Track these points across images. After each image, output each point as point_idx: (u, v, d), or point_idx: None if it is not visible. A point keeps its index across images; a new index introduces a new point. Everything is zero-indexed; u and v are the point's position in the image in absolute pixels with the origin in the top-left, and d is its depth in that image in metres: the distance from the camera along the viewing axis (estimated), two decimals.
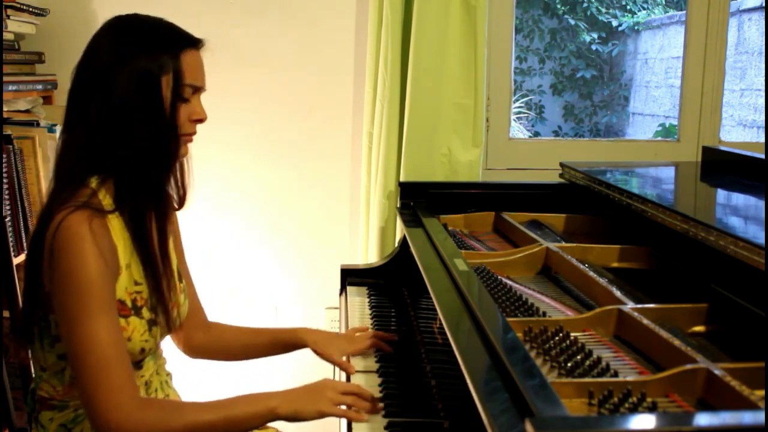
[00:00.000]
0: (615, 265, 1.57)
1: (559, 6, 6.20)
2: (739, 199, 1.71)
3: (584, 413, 0.92)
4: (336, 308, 2.13)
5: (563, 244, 1.62)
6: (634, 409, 0.91)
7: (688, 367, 0.97)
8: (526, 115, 6.09)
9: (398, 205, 2.11)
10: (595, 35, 6.12)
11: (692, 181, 2.02)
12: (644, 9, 6.12)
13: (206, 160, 2.27)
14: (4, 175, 1.87)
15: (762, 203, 1.51)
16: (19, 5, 2.05)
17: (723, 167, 1.93)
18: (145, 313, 1.29)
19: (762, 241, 1.11)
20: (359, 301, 1.89)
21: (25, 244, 1.92)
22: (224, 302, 2.40)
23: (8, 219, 1.88)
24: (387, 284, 1.97)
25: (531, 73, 6.36)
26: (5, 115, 2.02)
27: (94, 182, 1.26)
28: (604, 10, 6.11)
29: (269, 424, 1.33)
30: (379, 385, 1.42)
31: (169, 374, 1.49)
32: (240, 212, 2.43)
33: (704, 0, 2.40)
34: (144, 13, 1.32)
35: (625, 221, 1.66)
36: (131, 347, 1.27)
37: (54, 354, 1.29)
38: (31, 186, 2.00)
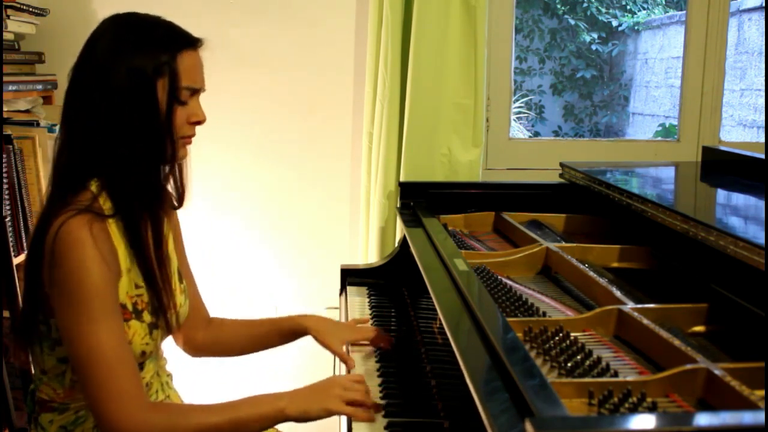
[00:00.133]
0: (615, 265, 1.57)
1: (559, 6, 6.20)
2: (739, 199, 1.71)
3: (584, 413, 0.92)
4: (336, 308, 2.13)
5: (563, 244, 1.62)
6: (634, 409, 0.91)
7: (688, 367, 0.97)
8: (526, 115, 6.09)
9: (398, 205, 2.11)
10: (595, 35, 6.12)
11: (692, 181, 2.02)
12: (644, 9, 6.12)
13: (206, 160, 2.28)
14: (4, 175, 1.87)
15: (762, 203, 1.51)
16: (19, 5, 2.05)
17: (723, 167, 1.93)
18: (146, 316, 1.29)
19: (762, 241, 1.11)
20: (359, 301, 1.89)
21: (25, 244, 1.92)
22: (224, 302, 2.40)
23: (8, 219, 1.88)
24: (387, 284, 1.97)
25: (531, 73, 6.36)
26: (5, 115, 2.02)
27: (93, 186, 1.25)
28: (604, 10, 6.11)
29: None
30: (379, 385, 1.41)
31: (169, 375, 1.49)
32: (240, 212, 2.43)
33: (704, 0, 2.40)
34: (143, 12, 1.31)
35: (625, 221, 1.66)
36: (132, 350, 1.26)
37: (54, 357, 1.29)
38: (31, 186, 2.00)
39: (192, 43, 1.29)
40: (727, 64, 2.47)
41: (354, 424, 1.26)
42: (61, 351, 1.27)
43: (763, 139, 3.88)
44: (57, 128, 2.01)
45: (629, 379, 0.98)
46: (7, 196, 1.88)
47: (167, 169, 1.35)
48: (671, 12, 5.99)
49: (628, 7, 6.13)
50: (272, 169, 2.41)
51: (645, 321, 1.13)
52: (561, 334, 1.13)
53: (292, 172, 2.41)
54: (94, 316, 1.16)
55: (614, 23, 6.08)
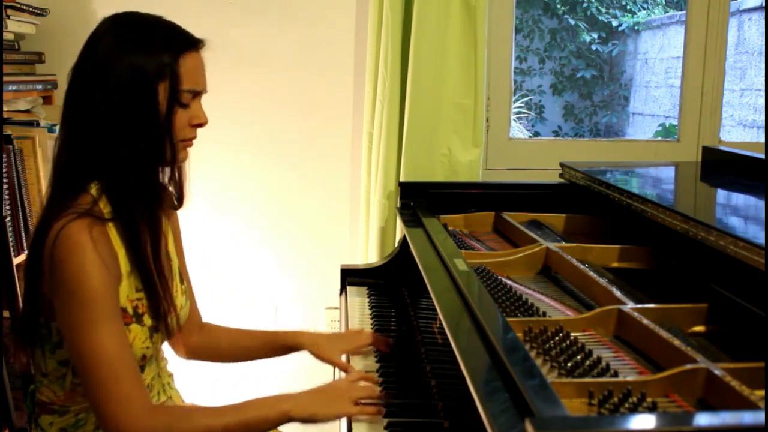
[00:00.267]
0: (615, 265, 1.57)
1: (559, 6, 6.20)
2: (739, 199, 1.71)
3: (584, 413, 0.92)
4: (336, 308, 2.13)
5: (563, 244, 1.62)
6: (634, 409, 0.91)
7: (688, 367, 0.97)
8: (526, 115, 6.09)
9: (398, 205, 2.11)
10: (595, 35, 6.12)
11: (692, 181, 2.02)
12: (644, 9, 6.12)
13: (206, 160, 2.28)
14: (4, 175, 1.87)
15: (762, 203, 1.51)
16: (19, 5, 2.05)
17: (723, 167, 1.93)
18: (147, 320, 1.28)
19: (762, 241, 1.11)
20: (359, 301, 1.89)
21: (25, 244, 1.92)
22: (224, 302, 2.40)
23: (8, 219, 1.88)
24: (387, 284, 1.97)
25: (531, 73, 6.36)
26: (5, 115, 2.02)
27: (94, 189, 1.24)
28: (604, 10, 6.11)
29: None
30: (379, 385, 1.41)
31: (170, 375, 1.49)
32: (240, 212, 2.43)
33: (704, 0, 2.40)
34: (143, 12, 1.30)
35: (625, 221, 1.66)
36: (133, 353, 1.25)
37: (55, 360, 1.28)
38: (31, 186, 2.00)
39: (194, 44, 1.27)
40: (727, 64, 2.47)
41: (354, 424, 1.26)
42: (62, 354, 1.27)
43: (763, 139, 3.88)
44: (57, 128, 2.02)
45: (629, 379, 0.98)
46: (7, 196, 1.88)
47: (167, 170, 1.34)
48: (671, 12, 5.99)
49: (628, 7, 6.13)
50: (272, 169, 2.41)
51: (645, 321, 1.13)
52: (561, 334, 1.13)
53: (292, 172, 2.41)
54: (95, 319, 1.16)
55: (614, 23, 6.08)
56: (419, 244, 1.63)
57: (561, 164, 2.02)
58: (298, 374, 2.38)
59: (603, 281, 1.34)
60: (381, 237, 2.27)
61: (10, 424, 1.81)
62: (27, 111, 2.16)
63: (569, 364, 1.04)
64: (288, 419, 1.24)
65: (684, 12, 2.86)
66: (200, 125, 1.30)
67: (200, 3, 2.30)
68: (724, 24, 2.42)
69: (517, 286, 1.43)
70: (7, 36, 2.04)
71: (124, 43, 1.22)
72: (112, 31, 1.24)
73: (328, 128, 2.40)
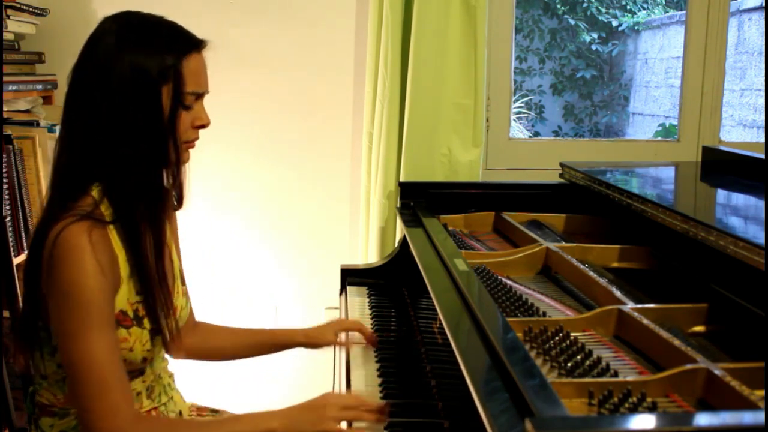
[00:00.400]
0: (615, 265, 1.57)
1: (559, 6, 6.20)
2: (739, 199, 1.71)
3: (584, 413, 0.92)
4: (336, 308, 2.13)
5: (563, 244, 1.62)
6: (634, 409, 0.91)
7: (688, 367, 0.97)
8: (526, 115, 6.09)
9: (398, 205, 2.11)
10: (595, 35, 6.12)
11: (692, 181, 2.02)
12: (644, 9, 6.12)
13: (206, 160, 2.28)
14: (4, 175, 1.87)
15: (762, 203, 1.51)
16: (19, 5, 2.05)
17: (723, 167, 1.93)
18: (147, 323, 1.27)
19: (762, 241, 1.11)
20: (359, 301, 1.89)
21: (25, 244, 1.92)
22: (224, 302, 2.40)
23: (8, 219, 1.88)
24: (387, 284, 1.97)
25: (531, 73, 6.36)
26: (5, 115, 2.02)
27: (95, 191, 1.23)
28: (604, 10, 6.11)
29: None
30: (379, 385, 1.41)
31: (171, 375, 1.48)
32: (240, 212, 2.43)
33: (704, 0, 2.40)
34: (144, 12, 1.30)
35: (625, 221, 1.66)
36: (133, 357, 1.25)
37: (54, 363, 1.27)
38: (31, 186, 2.00)
39: (197, 45, 1.26)
40: (727, 64, 2.47)
41: (354, 423, 1.26)
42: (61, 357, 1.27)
43: (763, 139, 3.88)
44: (57, 128, 2.02)
45: (629, 379, 0.98)
46: (7, 196, 1.88)
47: (167, 171, 1.33)
48: (671, 12, 5.99)
49: (628, 7, 6.13)
50: (272, 169, 2.41)
51: (645, 321, 1.13)
52: (561, 334, 1.13)
53: (292, 172, 2.41)
54: (87, 324, 1.15)
55: (614, 23, 6.08)
56: (419, 244, 1.63)
57: (561, 164, 2.02)
58: (298, 374, 2.39)
59: (603, 281, 1.34)
60: (381, 237, 2.27)
61: (10, 425, 1.81)
62: (27, 111, 2.16)
63: (569, 364, 1.04)
64: None
65: (684, 12, 2.86)
66: (203, 126, 1.29)
67: (200, 3, 2.30)
68: (724, 24, 2.42)
69: (517, 286, 1.43)
70: (7, 36, 2.04)
71: (126, 42, 1.20)
72: (113, 31, 1.22)
73: (328, 128, 2.40)
